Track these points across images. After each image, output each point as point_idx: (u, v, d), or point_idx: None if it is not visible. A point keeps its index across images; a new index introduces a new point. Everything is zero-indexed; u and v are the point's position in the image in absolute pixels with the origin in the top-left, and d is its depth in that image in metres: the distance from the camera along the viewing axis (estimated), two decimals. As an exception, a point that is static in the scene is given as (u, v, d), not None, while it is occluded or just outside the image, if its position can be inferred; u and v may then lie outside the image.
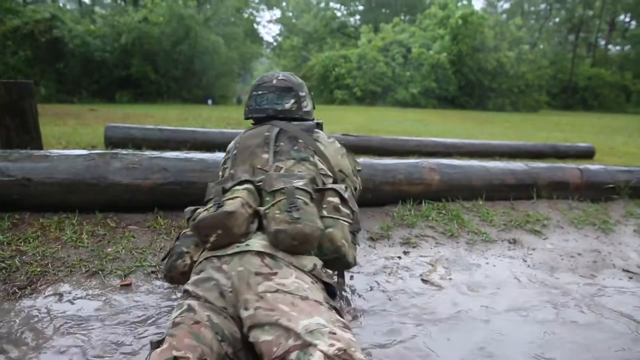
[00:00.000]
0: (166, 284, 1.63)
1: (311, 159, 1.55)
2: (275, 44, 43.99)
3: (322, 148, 1.62)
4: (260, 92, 1.72)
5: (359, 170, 1.81)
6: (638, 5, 34.02)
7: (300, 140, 1.59)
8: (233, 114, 12.07)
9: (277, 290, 1.11)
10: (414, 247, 2.19)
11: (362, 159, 2.50)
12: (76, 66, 19.20)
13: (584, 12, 36.49)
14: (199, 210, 1.31)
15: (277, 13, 45.59)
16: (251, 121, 1.81)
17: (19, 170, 2.05)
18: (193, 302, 1.13)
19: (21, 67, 17.74)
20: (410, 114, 16.55)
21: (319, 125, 1.80)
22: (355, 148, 4.47)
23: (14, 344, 1.27)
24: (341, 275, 1.61)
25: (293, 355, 0.97)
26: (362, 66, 26.29)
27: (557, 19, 40.17)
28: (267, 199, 1.32)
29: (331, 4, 40.37)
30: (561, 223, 2.67)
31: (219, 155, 2.34)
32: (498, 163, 3.07)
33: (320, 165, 1.56)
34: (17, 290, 1.54)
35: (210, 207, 1.27)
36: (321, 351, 0.96)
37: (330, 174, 1.58)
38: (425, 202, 2.67)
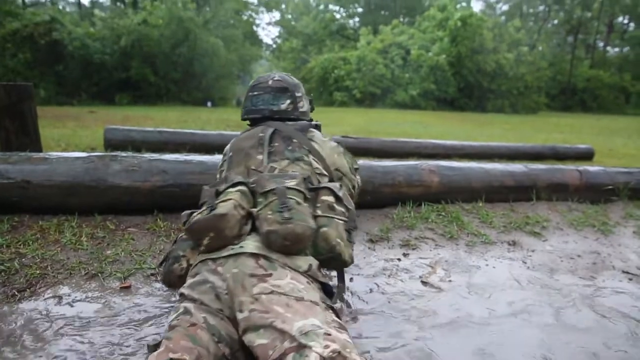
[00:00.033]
0: (165, 287, 1.63)
1: (306, 158, 1.55)
2: (274, 46, 44.11)
3: (317, 147, 1.61)
4: (256, 93, 1.73)
5: (356, 169, 1.81)
6: (636, 6, 34.13)
7: (294, 140, 1.59)
8: (232, 116, 12.09)
9: (272, 292, 1.10)
10: (413, 249, 2.19)
11: (361, 161, 2.50)
12: (75, 68, 19.23)
13: (582, 13, 36.59)
14: (194, 214, 1.31)
15: (276, 15, 45.71)
16: (248, 122, 1.81)
17: (18, 173, 2.05)
18: (189, 305, 1.13)
19: (21, 70, 17.77)
20: (409, 116, 16.56)
21: (317, 127, 1.81)
22: (354, 150, 4.47)
23: (13, 347, 1.27)
24: (342, 280, 1.61)
25: (289, 357, 0.97)
26: (362, 68, 26.33)
27: (555, 21, 40.27)
28: (260, 200, 1.32)
29: (330, 6, 40.43)
30: (561, 225, 2.67)
31: (219, 158, 2.34)
32: (497, 165, 3.07)
33: (316, 165, 1.56)
34: (16, 293, 1.54)
35: (204, 210, 1.27)
36: (316, 353, 0.96)
37: (325, 173, 1.57)
38: (424, 204, 2.67)
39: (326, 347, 0.98)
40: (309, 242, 1.25)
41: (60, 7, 29.42)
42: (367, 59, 26.42)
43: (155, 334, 1.35)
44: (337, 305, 1.57)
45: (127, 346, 1.29)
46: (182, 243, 1.33)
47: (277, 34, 48.00)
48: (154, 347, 1.07)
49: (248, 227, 1.28)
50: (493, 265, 2.06)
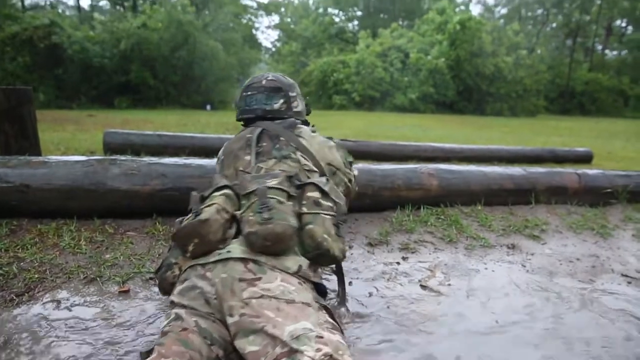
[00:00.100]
0: (161, 294, 1.63)
1: (293, 155, 1.53)
2: (273, 49, 44.21)
3: (305, 143, 1.60)
4: (249, 93, 1.72)
5: (350, 162, 1.79)
6: (634, 10, 34.23)
7: (281, 138, 1.58)
8: (232, 119, 12.08)
9: (261, 296, 1.10)
10: (412, 252, 2.18)
11: (360, 165, 2.50)
12: (75, 72, 19.23)
13: (580, 17, 36.70)
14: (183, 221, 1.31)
15: (275, 19, 45.83)
16: (242, 123, 1.81)
17: (17, 177, 2.04)
18: (180, 311, 1.13)
19: (20, 73, 17.76)
20: (408, 119, 16.58)
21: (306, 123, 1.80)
22: (353, 153, 4.42)
23: (11, 352, 1.26)
24: (341, 286, 1.61)
25: None
26: (361, 71, 26.36)
27: (554, 24, 40.38)
28: (243, 202, 1.32)
29: (329, 10, 40.53)
30: (560, 228, 2.67)
31: (218, 161, 2.34)
32: (496, 168, 3.07)
33: (304, 161, 1.54)
34: (14, 297, 1.54)
35: (190, 216, 1.27)
36: (308, 357, 0.96)
37: (315, 168, 1.55)
38: (423, 208, 2.67)
39: (318, 350, 0.98)
40: (290, 241, 1.24)
41: (60, 10, 29.49)
42: (366, 63, 26.46)
43: (154, 339, 1.34)
44: (342, 309, 1.57)
45: (125, 351, 1.29)
46: (174, 250, 1.33)
47: (276, 37, 48.16)
48: (146, 354, 1.07)
49: (233, 231, 1.28)
50: (492, 269, 2.06)
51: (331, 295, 1.66)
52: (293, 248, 1.27)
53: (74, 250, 1.88)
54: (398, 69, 26.60)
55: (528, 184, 2.97)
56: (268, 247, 1.20)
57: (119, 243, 1.99)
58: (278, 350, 0.99)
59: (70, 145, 5.27)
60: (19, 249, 1.85)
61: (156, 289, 1.65)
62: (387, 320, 1.54)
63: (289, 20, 43.41)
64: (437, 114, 23.64)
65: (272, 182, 1.34)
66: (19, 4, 25.35)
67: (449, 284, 1.87)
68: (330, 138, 1.76)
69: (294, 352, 0.98)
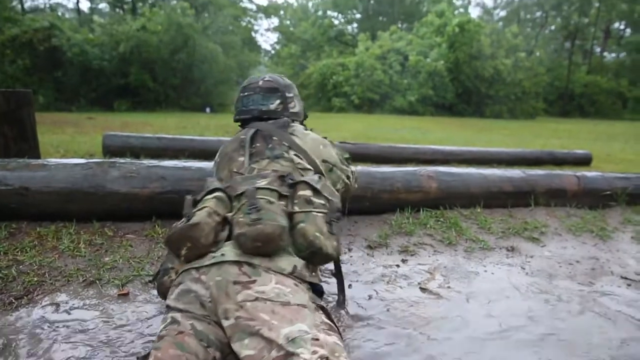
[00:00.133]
0: (160, 298, 1.63)
1: (286, 155, 1.53)
2: (273, 52, 44.28)
3: (298, 141, 1.59)
4: (246, 94, 1.73)
5: (347, 158, 1.78)
6: (633, 12, 34.30)
7: (274, 138, 1.58)
8: (231, 121, 12.02)
9: (256, 299, 1.09)
10: (412, 255, 2.18)
11: (360, 167, 2.50)
12: (74, 75, 19.26)
13: (579, 19, 36.82)
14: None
15: (275, 21, 45.88)
16: (239, 124, 1.81)
17: (16, 179, 2.04)
18: (176, 315, 1.12)
19: (20, 76, 17.78)
20: (408, 122, 16.60)
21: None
22: (353, 156, 4.42)
23: (10, 355, 1.26)
24: (341, 288, 1.61)
25: None
26: (360, 74, 26.39)
27: (553, 27, 40.50)
28: (235, 204, 1.32)
29: (329, 12, 40.61)
30: (559, 230, 2.68)
31: (217, 164, 2.34)
32: (496, 170, 3.07)
33: (298, 160, 1.53)
34: (13, 300, 1.53)
35: (182, 220, 1.27)
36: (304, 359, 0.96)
37: (309, 166, 1.55)
38: (423, 210, 2.67)
39: (314, 353, 0.98)
40: (281, 241, 1.22)
41: (60, 13, 29.53)
42: (366, 65, 26.50)
43: (152, 342, 1.34)
44: (341, 312, 1.57)
45: (124, 353, 1.29)
46: (170, 255, 1.32)
47: (275, 40, 48.27)
48: (143, 358, 1.07)
49: (225, 233, 1.27)
50: (492, 271, 2.06)
51: (331, 297, 1.66)
52: (285, 248, 1.26)
53: (73, 253, 1.88)
54: (397, 71, 26.65)
55: (527, 186, 2.97)
56: (258, 248, 1.19)
57: (119, 246, 1.99)
58: (274, 353, 0.99)
59: (70, 147, 5.26)
60: (18, 251, 1.85)
61: (155, 292, 1.65)
62: (386, 323, 1.54)
63: (288, 22, 43.49)
64: (436, 116, 23.68)
65: (262, 183, 1.34)
66: (19, 6, 25.40)
67: (449, 287, 1.87)
68: (325, 138, 1.75)
69: (289, 355, 0.98)
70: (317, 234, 1.28)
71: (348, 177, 1.73)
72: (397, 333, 1.48)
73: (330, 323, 1.16)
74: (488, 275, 2.02)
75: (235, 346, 1.05)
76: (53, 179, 2.08)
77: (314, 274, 1.30)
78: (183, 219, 1.28)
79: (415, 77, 25.94)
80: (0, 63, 17.70)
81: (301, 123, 1.82)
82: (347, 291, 1.73)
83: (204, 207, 1.28)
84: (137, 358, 1.09)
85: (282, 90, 1.72)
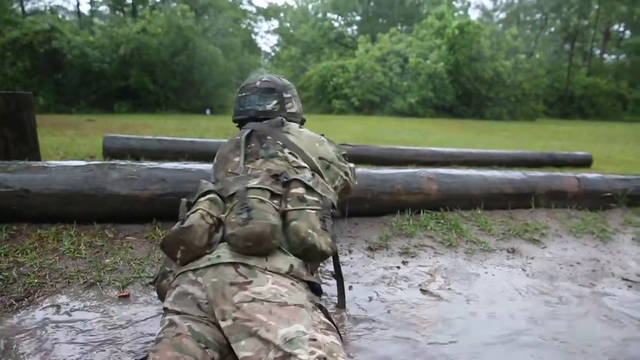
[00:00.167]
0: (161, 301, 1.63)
1: (280, 154, 1.53)
2: (273, 54, 44.36)
3: (293, 139, 1.59)
4: (244, 94, 1.74)
5: (344, 155, 1.77)
6: (632, 14, 34.36)
7: (268, 138, 1.58)
8: (231, 123, 12.07)
9: (253, 300, 1.09)
10: (412, 257, 2.18)
11: (360, 169, 2.50)
12: (75, 77, 19.29)
13: (579, 21, 36.87)
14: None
15: (274, 24, 45.95)
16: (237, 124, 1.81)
17: (17, 182, 2.04)
18: (174, 317, 1.12)
19: (20, 78, 17.82)
20: (408, 124, 16.61)
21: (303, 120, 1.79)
22: (353, 158, 4.45)
23: (11, 357, 1.26)
24: (341, 289, 1.61)
25: None
26: (360, 76, 26.43)
27: (552, 29, 40.55)
28: (228, 204, 1.32)
29: (329, 15, 40.69)
30: (560, 232, 2.67)
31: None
32: (496, 172, 3.07)
33: (292, 158, 1.53)
34: (14, 302, 1.53)
35: (177, 223, 1.28)
36: None
37: (304, 164, 1.54)
38: (423, 212, 2.67)
39: (312, 353, 0.98)
40: (273, 239, 1.21)
41: (60, 16, 29.59)
42: (366, 67, 26.54)
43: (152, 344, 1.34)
44: (342, 313, 1.57)
45: (125, 356, 1.28)
46: (168, 259, 1.33)
47: (275, 42, 48.29)
48: None
49: (220, 234, 1.27)
50: (492, 273, 2.06)
51: (332, 299, 1.66)
52: (279, 247, 1.25)
53: (73, 255, 1.88)
54: (397, 73, 26.68)
55: (528, 188, 2.97)
56: (250, 247, 1.19)
57: (119, 248, 1.99)
58: (272, 355, 0.99)
59: (70, 150, 5.27)
60: (18, 253, 1.85)
61: (156, 294, 1.65)
62: (387, 325, 1.54)
63: (288, 25, 43.58)
64: (436, 118, 23.69)
65: (253, 182, 1.33)
66: (19, 9, 25.45)
67: (449, 288, 1.86)
68: (322, 135, 1.75)
69: (287, 356, 0.98)
70: (310, 230, 1.27)
71: (347, 174, 1.73)
72: (398, 335, 1.48)
73: (329, 322, 1.15)
74: (489, 276, 2.02)
75: (234, 347, 1.05)
76: (53, 181, 2.08)
77: (313, 273, 1.30)
78: (178, 222, 1.29)
79: (415, 79, 25.96)
80: (0, 65, 17.74)
81: (301, 123, 1.82)
82: (348, 293, 1.73)
83: (197, 209, 1.28)
84: None
85: (279, 90, 1.72)
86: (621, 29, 39.47)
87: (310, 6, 42.57)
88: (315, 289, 1.28)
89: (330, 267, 1.88)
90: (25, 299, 1.56)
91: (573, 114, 31.73)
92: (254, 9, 41.16)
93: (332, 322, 1.17)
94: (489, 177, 2.92)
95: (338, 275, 1.60)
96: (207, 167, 2.35)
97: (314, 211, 1.33)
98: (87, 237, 2.03)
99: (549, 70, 32.13)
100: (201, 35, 23.05)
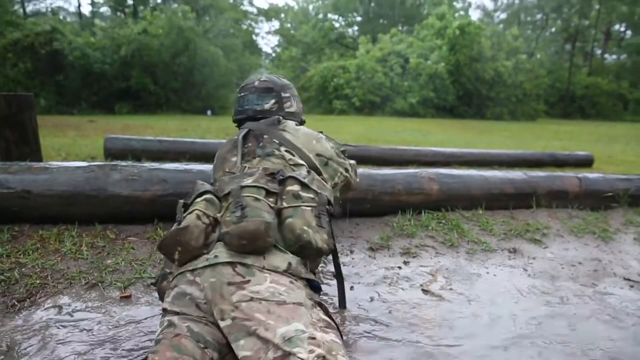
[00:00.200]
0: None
1: (276, 152, 1.53)
2: (274, 55, 44.37)
3: (289, 137, 1.59)
4: (242, 94, 1.74)
5: (343, 151, 1.77)
6: (633, 14, 34.33)
7: (265, 136, 1.58)
8: (232, 124, 12.08)
9: (251, 299, 1.09)
10: (414, 257, 2.18)
11: (361, 169, 2.50)
12: (76, 78, 19.32)
13: (579, 21, 36.85)
14: None
15: (275, 24, 45.99)
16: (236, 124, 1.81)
17: (18, 183, 2.05)
18: (172, 318, 1.12)
19: (21, 79, 17.87)
20: (408, 124, 16.61)
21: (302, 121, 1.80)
22: (354, 158, 4.44)
23: (13, 357, 1.26)
24: (341, 289, 1.60)
25: None
26: (361, 76, 26.44)
27: (553, 29, 40.53)
28: (223, 204, 1.32)
29: (329, 15, 40.69)
30: (561, 232, 2.67)
31: (219, 166, 2.34)
32: (497, 172, 3.07)
33: (289, 156, 1.53)
34: (16, 303, 1.54)
35: (174, 225, 1.28)
36: (301, 359, 0.96)
37: (301, 162, 1.54)
38: (424, 212, 2.67)
39: (311, 351, 0.98)
40: (267, 237, 1.21)
41: (61, 17, 29.67)
42: (366, 68, 26.55)
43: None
44: (344, 314, 1.57)
45: (127, 357, 1.29)
46: (168, 261, 1.33)
47: (276, 42, 48.30)
48: None
49: (216, 234, 1.27)
50: (494, 273, 2.06)
51: (333, 300, 1.66)
52: (275, 245, 1.25)
53: (75, 256, 1.88)
54: (398, 73, 26.69)
55: (529, 188, 2.97)
56: (244, 245, 1.19)
57: (121, 248, 1.99)
58: (271, 355, 0.99)
59: (71, 151, 5.27)
60: (20, 254, 1.85)
61: (157, 294, 1.65)
62: (388, 325, 1.54)
63: (289, 25, 43.61)
64: (437, 118, 23.68)
65: (248, 181, 1.34)
66: (21, 10, 25.50)
67: (451, 289, 1.86)
68: (321, 132, 1.75)
69: (287, 355, 0.98)
70: (305, 227, 1.27)
71: (347, 170, 1.72)
72: (399, 336, 1.48)
73: (329, 320, 1.15)
74: (490, 277, 2.02)
75: (233, 347, 1.05)
76: (55, 182, 2.08)
77: (309, 271, 1.30)
78: (175, 224, 1.29)
79: (416, 79, 25.96)
80: (2, 67, 17.80)
81: (301, 123, 1.82)
82: (349, 293, 1.73)
83: (194, 210, 1.29)
84: None
85: (277, 90, 1.72)
86: (622, 29, 39.47)
87: (311, 7, 42.61)
88: (314, 286, 1.27)
89: (331, 267, 1.87)
90: (27, 299, 1.57)
91: (574, 114, 31.71)
92: (254, 10, 41.25)
93: (332, 320, 1.17)
94: (490, 177, 2.92)
95: (338, 274, 1.60)
96: (208, 167, 2.34)
97: (309, 208, 1.32)
98: (88, 238, 2.03)
99: (550, 70, 32.10)
100: (202, 36, 23.09)
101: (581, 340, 1.51)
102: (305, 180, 1.39)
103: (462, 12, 35.89)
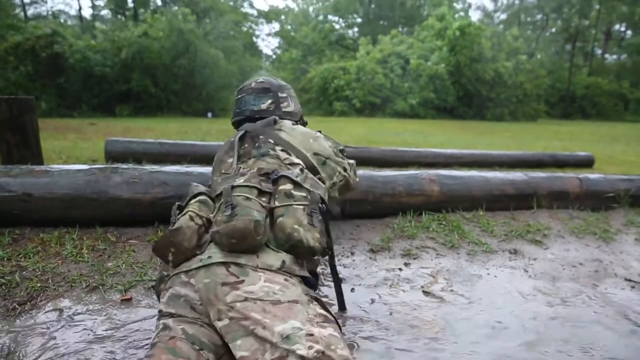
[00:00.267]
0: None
1: (272, 152, 1.53)
2: (274, 56, 44.37)
3: (285, 137, 1.59)
4: (240, 96, 1.76)
5: (341, 150, 1.76)
6: (633, 14, 34.32)
7: (261, 137, 1.58)
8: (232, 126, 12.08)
9: (245, 299, 1.09)
10: (414, 258, 2.18)
11: (361, 171, 2.50)
12: (77, 81, 19.35)
13: (579, 22, 36.82)
14: None
15: (275, 26, 45.98)
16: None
17: (19, 186, 2.05)
18: (167, 321, 1.13)
19: (22, 82, 17.89)
20: (409, 125, 16.61)
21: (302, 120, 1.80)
22: (354, 159, 4.47)
23: (13, 361, 1.26)
24: (338, 290, 1.60)
25: None
26: (361, 78, 26.43)
27: (553, 29, 40.50)
28: (216, 204, 1.33)
29: (329, 17, 40.69)
30: (562, 232, 2.67)
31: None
32: (498, 173, 3.07)
33: (284, 156, 1.53)
34: (17, 306, 1.54)
35: (169, 227, 1.29)
36: (300, 356, 0.96)
37: (297, 161, 1.54)
38: (425, 213, 2.67)
39: (310, 348, 0.98)
40: (257, 235, 1.20)
41: (62, 20, 29.71)
42: (367, 69, 26.54)
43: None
44: (342, 313, 1.57)
45: (127, 358, 1.29)
46: (164, 263, 1.33)
47: (276, 44, 48.31)
48: None
49: (209, 235, 1.28)
50: (495, 274, 2.06)
51: (334, 302, 1.66)
52: (267, 244, 1.25)
53: (76, 259, 1.88)
54: (398, 75, 26.68)
55: (529, 188, 2.97)
56: (234, 244, 1.19)
57: (121, 251, 1.99)
58: (269, 355, 0.99)
59: (72, 153, 5.28)
60: (21, 257, 1.86)
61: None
62: (389, 327, 1.54)
63: (289, 27, 43.59)
64: (437, 119, 23.66)
65: (239, 181, 1.34)
66: (22, 14, 25.56)
67: (452, 290, 1.86)
68: (319, 131, 1.75)
69: (286, 353, 0.98)
70: (296, 226, 1.27)
71: (345, 169, 1.72)
72: (400, 336, 1.48)
73: (326, 314, 1.15)
74: (491, 278, 2.02)
75: (231, 347, 1.05)
76: (56, 185, 2.08)
77: (304, 268, 1.29)
78: (170, 226, 1.30)
79: (416, 80, 25.95)
80: (3, 70, 17.83)
81: (302, 124, 1.82)
82: (350, 295, 1.73)
83: (187, 211, 1.30)
84: None
85: (274, 90, 1.74)
86: (622, 29, 39.42)
87: (311, 9, 42.64)
88: (308, 283, 1.27)
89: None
90: (28, 302, 1.57)
91: (575, 114, 31.68)
92: (255, 12, 41.27)
93: (330, 313, 1.17)
94: (490, 178, 2.92)
95: (334, 275, 1.57)
96: (209, 170, 2.35)
97: (301, 207, 1.32)
98: (89, 241, 2.03)
99: (550, 70, 32.07)
100: (202, 38, 23.10)
101: (582, 340, 1.50)
102: (298, 179, 1.39)
103: (462, 13, 35.91)
